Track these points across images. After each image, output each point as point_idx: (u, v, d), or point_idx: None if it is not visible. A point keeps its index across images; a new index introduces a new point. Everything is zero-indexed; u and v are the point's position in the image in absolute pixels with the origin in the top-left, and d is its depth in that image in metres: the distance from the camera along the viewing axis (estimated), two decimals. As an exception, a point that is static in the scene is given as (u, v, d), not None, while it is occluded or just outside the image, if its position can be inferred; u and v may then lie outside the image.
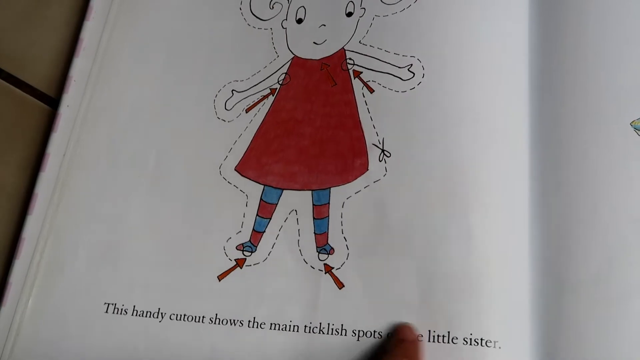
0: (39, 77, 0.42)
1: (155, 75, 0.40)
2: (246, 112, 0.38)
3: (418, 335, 0.30)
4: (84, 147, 0.39)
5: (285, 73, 0.38)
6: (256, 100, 0.38)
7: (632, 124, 0.31)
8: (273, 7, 0.40)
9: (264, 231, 0.35)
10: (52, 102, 0.42)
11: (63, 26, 0.43)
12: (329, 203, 0.34)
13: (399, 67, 0.35)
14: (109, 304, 0.35)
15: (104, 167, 0.38)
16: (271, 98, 0.37)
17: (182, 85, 0.39)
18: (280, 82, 0.37)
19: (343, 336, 0.31)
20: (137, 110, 0.39)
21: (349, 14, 0.37)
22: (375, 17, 0.37)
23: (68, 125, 0.39)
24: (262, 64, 0.38)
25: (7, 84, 0.42)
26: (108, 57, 0.41)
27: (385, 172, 0.33)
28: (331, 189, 0.34)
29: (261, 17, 0.40)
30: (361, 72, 0.36)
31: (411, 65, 0.35)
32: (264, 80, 0.38)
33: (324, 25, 0.38)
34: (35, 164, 0.40)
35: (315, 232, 0.34)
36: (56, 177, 0.38)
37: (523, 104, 0.33)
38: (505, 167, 0.31)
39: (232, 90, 0.38)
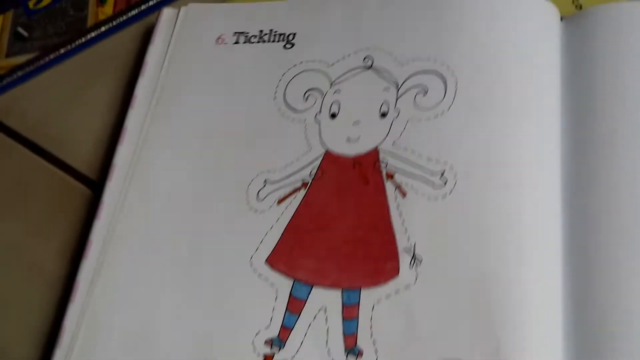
0: (82, 159, 0.44)
1: (190, 163, 0.41)
2: (278, 204, 0.39)
3: None
4: (120, 233, 0.40)
5: (318, 167, 0.39)
6: (288, 192, 0.39)
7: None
8: (307, 99, 0.41)
9: (293, 327, 0.36)
10: (93, 185, 0.43)
11: (106, 111, 0.45)
12: (358, 304, 0.35)
13: (432, 173, 0.36)
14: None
15: (139, 253, 0.39)
16: (303, 191, 0.39)
17: (216, 173, 0.40)
18: (313, 176, 0.39)
19: None
20: (173, 197, 0.40)
21: (383, 115, 0.39)
22: (409, 120, 0.38)
23: (109, 213, 0.40)
24: (295, 156, 0.40)
25: (51, 165, 0.43)
26: (146, 144, 0.42)
27: (415, 279, 0.34)
28: (361, 290, 0.35)
29: (295, 108, 0.41)
30: (394, 174, 0.37)
31: (444, 172, 0.36)
32: (296, 172, 0.39)
33: (358, 123, 0.39)
34: (75, 249, 0.41)
35: (344, 332, 0.35)
36: (96, 264, 0.39)
37: (557, 216, 0.34)
38: (539, 283, 0.32)
39: (265, 180, 0.39)
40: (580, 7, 0.42)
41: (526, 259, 0.33)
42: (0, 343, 0.40)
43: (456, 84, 0.38)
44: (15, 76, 0.48)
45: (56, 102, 0.47)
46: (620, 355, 0.31)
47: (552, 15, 0.40)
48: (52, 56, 0.48)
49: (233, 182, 0.40)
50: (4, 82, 0.48)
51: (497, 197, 0.35)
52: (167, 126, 0.43)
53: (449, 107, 0.38)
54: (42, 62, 0.48)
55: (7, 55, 0.49)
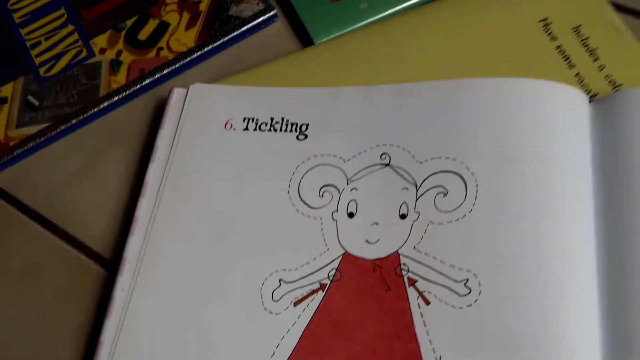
0: (94, 237, 0.43)
1: (198, 258, 0.40)
2: (295, 306, 0.38)
3: None
4: (126, 335, 0.38)
5: (336, 269, 0.38)
6: (305, 295, 0.38)
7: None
8: (323, 196, 0.40)
9: None
10: (106, 263, 0.42)
11: (118, 185, 0.45)
12: (382, 419, 0.34)
13: (455, 281, 0.36)
14: None
15: (147, 355, 0.37)
16: (321, 294, 0.38)
17: (227, 269, 0.39)
18: (331, 278, 0.38)
19: None
20: (180, 295, 0.39)
21: (403, 216, 0.38)
22: (430, 223, 0.38)
23: (119, 311, 0.38)
24: (311, 255, 0.39)
25: (63, 242, 0.43)
26: (153, 236, 0.40)
27: (441, 394, 0.33)
28: (385, 404, 0.34)
29: (310, 205, 0.40)
30: (416, 281, 0.37)
31: (467, 280, 0.36)
32: (313, 273, 0.38)
33: (377, 224, 0.39)
34: (89, 333, 0.40)
35: None
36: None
37: (595, 325, 0.34)
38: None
39: (280, 279, 0.38)
40: (614, 84, 0.42)
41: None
42: None
43: (477, 185, 0.38)
44: (26, 147, 0.47)
45: (67, 174, 0.46)
46: None
47: (577, 102, 0.40)
48: (63, 127, 0.47)
49: (246, 280, 0.39)
50: (15, 153, 0.47)
51: (526, 306, 0.34)
52: (174, 217, 0.41)
53: (470, 210, 0.38)
54: (53, 132, 0.47)
55: (18, 126, 0.47)
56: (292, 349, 0.37)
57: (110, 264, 0.42)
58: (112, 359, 0.37)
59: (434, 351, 0.35)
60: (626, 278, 0.34)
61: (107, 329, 0.38)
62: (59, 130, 0.47)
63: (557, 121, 0.39)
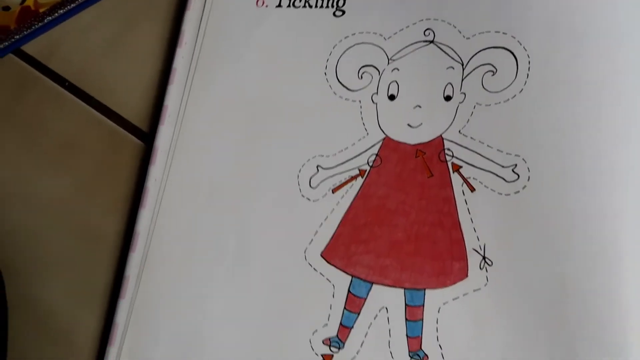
0: (130, 108, 0.42)
1: (234, 146, 0.39)
2: (333, 192, 0.37)
3: None
4: (163, 225, 0.38)
5: (376, 154, 0.37)
6: (344, 181, 0.37)
7: None
8: (362, 77, 0.39)
9: (353, 327, 0.35)
10: (144, 135, 0.42)
11: (152, 55, 0.43)
12: (423, 305, 0.34)
13: (503, 167, 0.34)
14: (191, 393, 0.35)
15: (184, 248, 0.38)
16: (360, 180, 0.37)
17: (262, 156, 0.38)
18: (371, 164, 0.37)
19: None
20: (216, 186, 0.38)
21: (447, 98, 0.37)
22: (476, 105, 0.36)
23: (154, 200, 0.38)
24: (350, 141, 0.38)
25: (99, 115, 0.42)
26: (185, 125, 0.40)
27: (486, 282, 0.33)
28: (426, 290, 0.34)
29: (349, 87, 0.39)
30: (461, 167, 0.35)
31: (516, 165, 0.34)
32: (352, 158, 0.37)
33: (419, 107, 0.37)
34: (128, 205, 0.40)
35: (408, 334, 0.34)
36: (141, 258, 0.38)
37: None
38: (628, 294, 0.31)
39: (317, 166, 0.38)
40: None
41: (612, 264, 0.31)
42: (55, 303, 0.39)
43: (529, 62, 0.36)
44: (56, 14, 0.45)
45: (99, 44, 0.45)
46: None
47: None
48: None
49: (282, 167, 0.38)
50: (45, 20, 0.45)
51: (577, 193, 0.33)
52: (206, 103, 0.40)
53: (521, 90, 0.35)
54: None
55: None
56: (330, 236, 0.36)
57: (148, 136, 0.41)
58: (149, 248, 0.38)
59: (478, 239, 0.34)
60: None
61: (143, 218, 0.38)
62: (89, -4, 0.46)
63: None
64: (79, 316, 0.39)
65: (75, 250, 0.40)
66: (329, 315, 0.35)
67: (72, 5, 0.45)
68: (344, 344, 0.35)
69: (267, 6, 0.41)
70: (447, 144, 0.36)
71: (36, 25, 0.45)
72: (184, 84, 0.40)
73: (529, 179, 0.34)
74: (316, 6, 0.41)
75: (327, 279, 0.36)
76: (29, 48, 0.45)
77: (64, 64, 0.44)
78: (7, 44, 0.45)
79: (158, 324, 0.36)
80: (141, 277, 0.37)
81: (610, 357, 0.31)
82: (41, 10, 0.45)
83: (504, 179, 0.34)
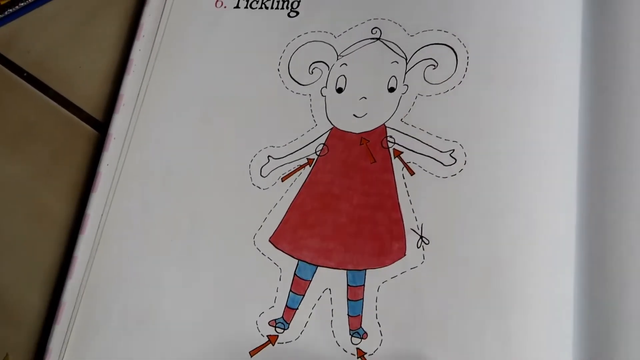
0: (87, 98, 0.44)
1: (190, 134, 0.41)
2: (282, 181, 0.39)
3: None
4: (118, 206, 0.40)
5: (324, 144, 0.39)
6: (292, 170, 0.39)
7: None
8: (312, 72, 0.41)
9: (297, 308, 0.36)
10: (98, 125, 0.44)
11: (110, 48, 0.46)
12: (364, 285, 0.36)
13: (441, 152, 0.36)
14: (140, 373, 0.37)
15: (138, 229, 0.39)
16: (308, 168, 0.39)
17: (216, 146, 0.40)
18: (318, 153, 0.39)
19: None
20: (170, 170, 0.40)
21: (391, 90, 0.39)
22: (418, 95, 0.38)
23: (107, 185, 0.40)
24: (299, 132, 0.40)
25: (56, 104, 0.44)
26: (143, 114, 0.42)
27: (422, 260, 0.35)
28: (367, 270, 0.36)
29: (300, 82, 0.41)
30: (402, 152, 0.37)
31: (453, 150, 0.36)
32: (301, 148, 0.39)
33: (365, 98, 0.39)
34: (82, 191, 0.42)
35: (349, 314, 0.35)
36: (94, 238, 0.39)
37: (572, 193, 0.34)
38: (549, 266, 0.33)
39: (269, 156, 0.40)
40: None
41: (539, 241, 0.33)
42: (5, 283, 0.41)
43: (467, 57, 0.38)
44: (17, 6, 0.48)
45: (59, 36, 0.47)
46: (634, 334, 0.31)
47: None
48: None
49: (235, 157, 0.40)
50: (6, 12, 0.47)
51: (509, 177, 0.35)
52: (164, 94, 0.42)
53: (460, 82, 0.38)
54: None
55: None
56: (279, 222, 0.38)
57: (103, 125, 0.44)
58: (103, 230, 0.39)
59: (416, 219, 0.36)
60: (609, 153, 0.35)
61: (94, 201, 0.40)
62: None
63: None
64: (27, 296, 0.40)
65: (27, 232, 0.42)
66: (276, 297, 0.37)
67: None
68: (288, 324, 0.36)
69: (225, 7, 0.44)
70: (389, 132, 0.38)
71: None
72: (142, 75, 0.43)
73: (465, 163, 0.36)
74: (272, 7, 0.44)
75: (275, 263, 0.37)
76: None
77: (22, 55, 0.46)
78: (-34, 34, 0.47)
79: (109, 304, 0.38)
80: (94, 258, 0.39)
81: (541, 328, 0.32)
82: (2, 2, 0.47)
83: (442, 163, 0.36)
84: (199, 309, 0.37)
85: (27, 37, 0.47)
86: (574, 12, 0.38)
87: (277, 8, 0.44)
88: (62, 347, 0.37)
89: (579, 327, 0.32)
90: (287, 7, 0.43)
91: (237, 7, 0.44)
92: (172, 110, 0.42)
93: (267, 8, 0.44)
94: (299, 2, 0.43)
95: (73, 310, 0.38)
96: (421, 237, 0.35)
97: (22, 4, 0.47)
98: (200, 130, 0.41)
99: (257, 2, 0.44)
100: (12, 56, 0.46)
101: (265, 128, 0.40)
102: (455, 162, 0.36)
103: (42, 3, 0.48)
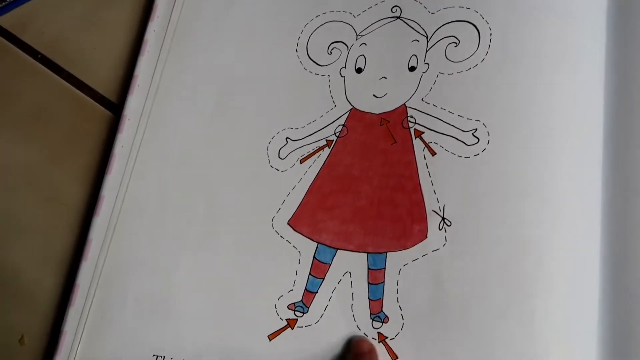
0: (101, 80, 0.45)
1: (205, 116, 0.41)
2: (300, 163, 0.39)
3: (372, 346, 0.32)
4: (134, 191, 0.40)
5: (343, 125, 0.39)
6: (311, 151, 0.39)
7: None
8: (331, 53, 0.41)
9: (317, 292, 0.36)
10: (113, 107, 0.44)
11: (124, 30, 0.46)
12: (384, 268, 0.35)
13: (463, 131, 0.36)
14: (157, 356, 0.37)
15: (154, 213, 0.39)
16: (327, 150, 0.39)
17: (233, 128, 0.40)
18: (337, 134, 0.39)
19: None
20: (187, 153, 0.40)
21: (412, 69, 0.38)
22: (439, 74, 0.38)
23: (121, 167, 0.40)
24: (318, 113, 0.39)
25: (70, 86, 0.44)
26: (158, 95, 0.42)
27: (444, 242, 0.34)
28: (387, 253, 0.35)
29: (318, 62, 0.41)
30: (423, 132, 0.37)
31: (476, 129, 0.36)
32: (320, 130, 0.39)
33: (385, 78, 0.39)
34: (95, 173, 0.42)
35: (370, 297, 0.35)
36: (108, 222, 0.40)
37: (596, 175, 0.34)
38: (574, 246, 0.32)
39: (287, 138, 0.39)
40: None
41: (563, 224, 0.33)
42: (19, 266, 0.41)
43: (490, 34, 0.37)
44: None
45: (73, 18, 0.47)
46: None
47: None
48: None
49: (252, 139, 0.40)
50: None
51: (534, 157, 0.34)
52: (179, 75, 0.43)
53: (483, 59, 0.37)
54: None
55: None
56: (298, 204, 0.38)
57: (117, 107, 0.44)
58: (119, 213, 0.40)
59: (437, 201, 0.35)
60: (633, 135, 0.34)
61: (108, 184, 0.41)
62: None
63: None
64: (43, 277, 0.41)
65: (41, 214, 0.42)
66: (295, 281, 0.36)
67: None
68: (308, 308, 0.36)
69: (241, -15, 0.44)
70: (410, 112, 0.38)
71: None
72: (157, 56, 0.43)
73: (488, 143, 0.35)
74: (289, -12, 0.43)
75: (294, 246, 0.37)
76: (3, 21, 0.48)
77: (37, 37, 0.47)
78: (-19, 16, 0.47)
79: (126, 287, 0.38)
80: (110, 241, 0.39)
81: (564, 311, 0.32)
82: None
83: (464, 143, 0.36)
84: (216, 293, 0.37)
85: (41, 19, 0.47)
86: None
87: (294, -13, 0.43)
88: (76, 329, 0.38)
89: (603, 310, 0.31)
90: (305, -14, 0.43)
91: (255, -15, 0.44)
92: (187, 92, 0.42)
93: (284, -13, 0.43)
94: (317, -18, 0.43)
95: (88, 293, 0.38)
96: (443, 218, 0.35)
97: None
98: (216, 112, 0.41)
99: (274, -18, 0.44)
100: (26, 38, 0.47)
101: (283, 109, 0.40)
102: (478, 141, 0.35)
103: None
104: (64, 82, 0.45)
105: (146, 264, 0.38)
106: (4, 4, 0.46)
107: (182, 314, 0.37)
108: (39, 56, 0.46)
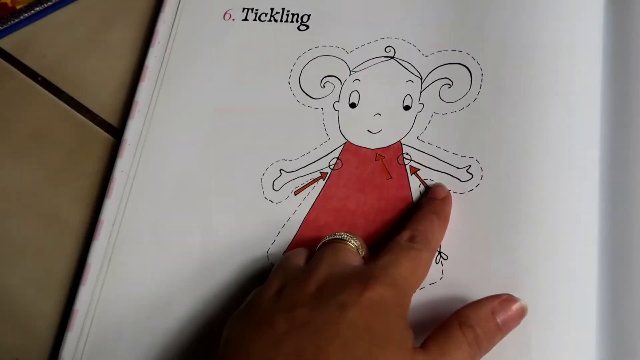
0: (101, 104, 0.46)
1: (200, 145, 0.42)
2: (295, 195, 0.41)
3: (448, 193, 0.37)
4: (130, 219, 0.41)
5: (337, 158, 0.41)
6: (306, 183, 0.41)
7: None
8: (324, 86, 0.43)
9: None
10: (113, 130, 0.45)
11: (125, 54, 0.47)
12: (382, 301, 0.37)
13: (458, 168, 0.39)
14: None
15: (149, 244, 0.40)
16: (321, 182, 0.41)
17: (228, 159, 0.42)
18: (332, 167, 0.41)
19: None
20: (183, 183, 0.42)
21: (407, 108, 0.41)
22: (434, 114, 0.41)
23: (120, 191, 0.41)
24: (312, 145, 0.42)
25: (70, 109, 0.46)
26: (154, 123, 0.43)
27: (441, 275, 0.37)
28: (385, 286, 0.38)
29: (311, 95, 0.43)
30: (419, 169, 0.40)
31: (470, 166, 0.39)
32: (314, 162, 0.41)
33: (379, 115, 0.42)
34: (96, 196, 0.44)
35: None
36: (105, 248, 0.40)
37: (592, 205, 0.37)
38: (570, 281, 0.35)
39: (281, 169, 0.41)
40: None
41: (559, 253, 0.36)
42: (16, 289, 0.42)
43: (482, 74, 0.41)
44: (32, 11, 0.49)
45: (74, 41, 0.48)
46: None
47: None
48: None
49: (246, 170, 0.42)
50: (22, 16, 0.49)
51: (527, 190, 0.37)
52: (174, 104, 0.44)
53: (475, 99, 0.40)
54: None
55: None
56: (293, 236, 0.40)
57: (118, 131, 0.45)
58: (116, 237, 0.40)
59: (434, 236, 0.38)
60: (629, 169, 0.37)
61: (108, 208, 0.41)
62: (66, -5, 0.49)
63: (568, 11, 0.41)
64: (39, 302, 0.41)
65: (40, 237, 0.43)
66: (290, 314, 0.38)
67: (48, 3, 0.49)
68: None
69: (233, 20, 0.46)
70: (405, 149, 0.40)
71: (12, 21, 0.49)
72: (155, 81, 0.44)
73: (481, 178, 0.38)
74: (281, 21, 0.46)
75: (290, 279, 0.39)
76: (4, 43, 0.49)
77: (38, 60, 0.48)
78: (-18, 38, 0.48)
79: (122, 319, 0.39)
80: (108, 268, 0.40)
81: (560, 342, 0.35)
82: (18, 6, 0.49)
83: (458, 179, 0.39)
84: (211, 327, 0.38)
85: (42, 41, 0.48)
86: (595, 22, 0.40)
87: (286, 21, 0.46)
88: (73, 355, 0.38)
89: (601, 339, 0.35)
90: (297, 21, 0.45)
91: (246, 19, 0.46)
92: (182, 120, 0.43)
93: (276, 21, 0.46)
94: (308, 16, 0.45)
95: (85, 318, 0.39)
96: (440, 252, 0.38)
97: (37, 8, 0.49)
98: (211, 142, 0.42)
99: (266, 15, 0.46)
100: (27, 60, 0.48)
101: (277, 141, 0.42)
102: (472, 177, 0.38)
103: (58, 8, 0.49)
104: (64, 104, 0.46)
105: (141, 297, 0.39)
106: (5, 26, 0.47)
107: (177, 347, 0.38)
108: (40, 79, 0.46)
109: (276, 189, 0.41)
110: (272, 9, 0.46)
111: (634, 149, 0.37)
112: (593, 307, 0.35)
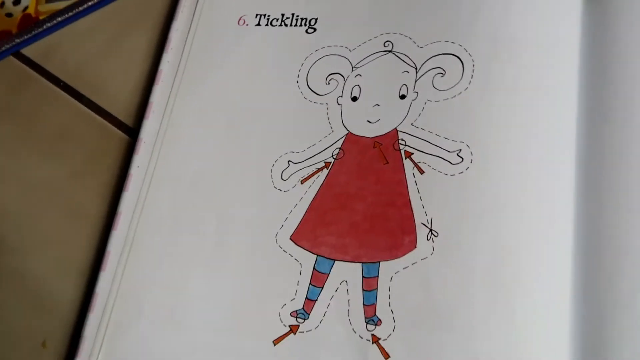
0: (119, 106, 0.51)
1: (215, 141, 0.47)
2: (301, 183, 0.44)
3: None
4: (149, 209, 0.46)
5: (340, 148, 0.45)
6: (311, 173, 0.45)
7: None
8: (329, 83, 0.47)
9: (317, 299, 0.41)
10: (130, 131, 0.50)
11: (142, 59, 0.53)
12: (377, 276, 0.41)
13: (449, 151, 0.42)
14: (170, 364, 0.42)
15: (168, 231, 0.45)
16: (325, 171, 0.44)
17: (241, 153, 0.46)
18: (335, 157, 0.44)
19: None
20: (199, 175, 0.46)
21: (402, 97, 0.44)
22: (427, 101, 0.44)
23: (138, 185, 0.46)
24: (317, 138, 0.45)
25: (90, 111, 0.51)
26: (172, 121, 0.48)
27: (432, 251, 0.40)
28: (380, 263, 0.41)
29: (317, 92, 0.47)
30: (412, 153, 0.43)
31: (460, 150, 0.42)
32: (319, 153, 0.45)
33: (378, 105, 0.45)
34: (114, 190, 0.49)
35: (364, 303, 0.40)
36: (125, 237, 0.45)
37: (569, 190, 0.39)
38: (549, 254, 0.38)
39: (289, 161, 0.45)
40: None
41: (539, 233, 0.38)
42: (42, 275, 0.47)
43: (473, 65, 0.43)
44: (55, 21, 0.54)
45: (94, 49, 0.54)
46: (630, 317, 0.36)
47: None
48: (91, 2, 0.55)
49: (258, 163, 0.46)
50: (45, 27, 0.54)
51: (512, 174, 0.40)
52: (191, 104, 0.49)
53: (466, 88, 0.43)
54: (81, 8, 0.55)
55: (48, 1, 0.56)
56: (299, 221, 0.44)
57: (134, 131, 0.50)
58: (135, 229, 0.45)
59: (426, 214, 0.41)
60: (606, 154, 0.40)
61: (126, 200, 0.47)
62: (87, 5, 0.55)
63: (552, 10, 0.44)
64: (63, 287, 0.46)
65: (63, 228, 0.48)
66: (296, 290, 0.42)
67: (69, 13, 0.55)
68: (309, 314, 0.41)
69: (247, 25, 0.51)
70: (401, 135, 0.44)
71: (36, 31, 0.54)
72: (171, 84, 0.49)
73: (471, 162, 0.41)
74: (291, 25, 0.50)
75: (295, 259, 0.43)
76: (28, 51, 0.55)
77: (59, 66, 0.54)
78: (8, 46, 0.54)
79: (142, 299, 0.44)
80: (129, 254, 0.45)
81: (540, 311, 0.37)
82: (41, 17, 0.55)
83: (449, 162, 0.42)
84: (226, 304, 0.42)
85: (64, 49, 0.54)
86: (573, 25, 0.43)
87: (296, 25, 0.50)
88: (96, 335, 0.43)
89: (574, 308, 0.37)
90: (305, 25, 0.49)
91: (259, 24, 0.50)
92: (198, 119, 0.48)
93: (286, 25, 0.50)
94: (316, 20, 0.49)
95: (107, 300, 0.44)
96: (431, 230, 0.40)
97: (59, 18, 0.54)
98: (225, 138, 0.47)
99: (277, 20, 0.50)
100: (50, 67, 0.53)
101: (286, 135, 0.46)
102: (462, 160, 0.41)
103: (78, 18, 0.55)
104: (84, 107, 0.51)
105: (161, 278, 0.44)
106: (29, 35, 0.53)
107: (194, 323, 0.42)
108: (62, 84, 0.52)
109: (284, 179, 0.45)
110: (282, 15, 0.50)
111: (606, 139, 0.39)
112: (568, 282, 0.37)
